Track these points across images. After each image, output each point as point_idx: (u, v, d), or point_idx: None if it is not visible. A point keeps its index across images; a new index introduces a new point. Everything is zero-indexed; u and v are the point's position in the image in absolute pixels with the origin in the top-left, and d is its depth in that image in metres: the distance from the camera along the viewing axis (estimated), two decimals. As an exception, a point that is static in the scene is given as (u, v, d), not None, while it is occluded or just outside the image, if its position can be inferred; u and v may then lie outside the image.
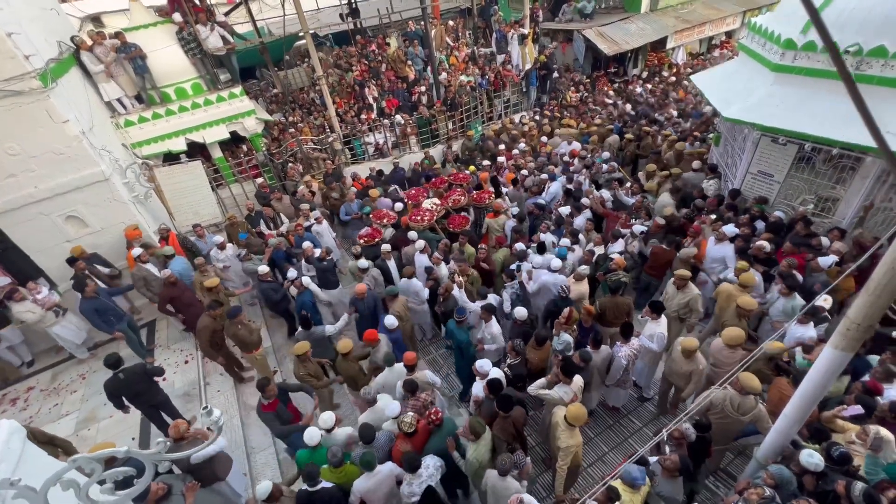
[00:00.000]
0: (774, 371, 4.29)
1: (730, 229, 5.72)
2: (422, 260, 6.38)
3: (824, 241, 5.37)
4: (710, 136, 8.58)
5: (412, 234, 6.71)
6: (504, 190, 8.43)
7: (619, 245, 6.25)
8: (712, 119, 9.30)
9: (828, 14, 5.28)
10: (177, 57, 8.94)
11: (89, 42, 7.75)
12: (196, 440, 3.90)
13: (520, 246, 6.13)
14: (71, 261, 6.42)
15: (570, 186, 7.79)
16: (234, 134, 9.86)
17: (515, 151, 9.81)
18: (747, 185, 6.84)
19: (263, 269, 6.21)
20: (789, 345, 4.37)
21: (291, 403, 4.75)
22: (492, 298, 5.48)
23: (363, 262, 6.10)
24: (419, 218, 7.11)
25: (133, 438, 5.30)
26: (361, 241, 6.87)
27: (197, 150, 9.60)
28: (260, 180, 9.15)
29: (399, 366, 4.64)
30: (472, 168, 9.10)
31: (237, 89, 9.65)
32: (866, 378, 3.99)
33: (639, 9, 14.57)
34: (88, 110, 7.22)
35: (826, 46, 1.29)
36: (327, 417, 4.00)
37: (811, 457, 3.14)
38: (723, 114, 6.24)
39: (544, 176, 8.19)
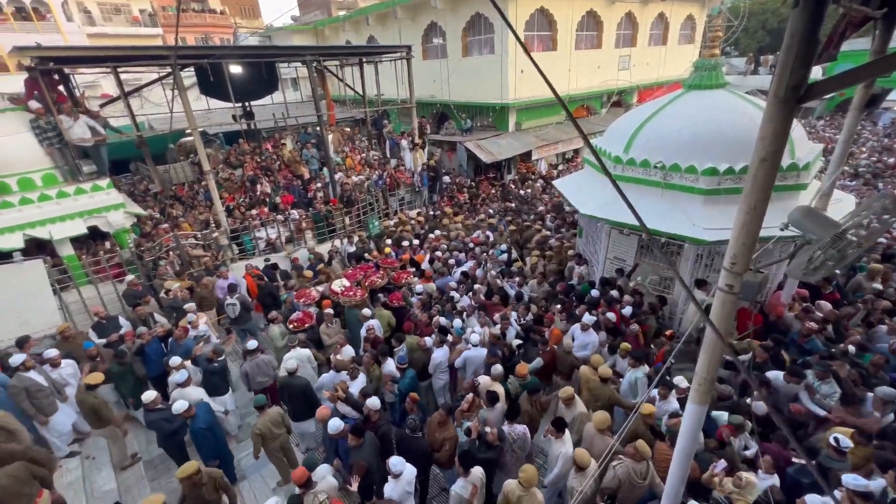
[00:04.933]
0: (651, 432, 4.65)
1: (588, 318, 6.16)
2: (363, 332, 6.42)
3: (627, 298, 6.81)
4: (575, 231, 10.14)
5: (366, 312, 6.69)
6: (425, 267, 8.77)
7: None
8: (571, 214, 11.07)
9: (640, 138, 7.02)
10: (26, 145, 7.93)
11: None
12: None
13: (443, 320, 6.53)
14: None
15: (468, 272, 8.25)
16: (94, 229, 8.67)
17: (431, 236, 10.42)
18: (607, 269, 8.07)
19: (151, 394, 4.97)
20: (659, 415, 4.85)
21: None
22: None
23: (291, 363, 5.43)
24: (352, 294, 7.24)
25: None
26: (291, 327, 6.60)
27: (37, 247, 8.12)
28: (130, 278, 7.95)
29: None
30: (387, 250, 9.43)
31: (103, 182, 8.74)
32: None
33: (507, 128, 17.61)
34: None
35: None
36: None
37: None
38: (580, 211, 7.52)
39: (452, 260, 8.76)
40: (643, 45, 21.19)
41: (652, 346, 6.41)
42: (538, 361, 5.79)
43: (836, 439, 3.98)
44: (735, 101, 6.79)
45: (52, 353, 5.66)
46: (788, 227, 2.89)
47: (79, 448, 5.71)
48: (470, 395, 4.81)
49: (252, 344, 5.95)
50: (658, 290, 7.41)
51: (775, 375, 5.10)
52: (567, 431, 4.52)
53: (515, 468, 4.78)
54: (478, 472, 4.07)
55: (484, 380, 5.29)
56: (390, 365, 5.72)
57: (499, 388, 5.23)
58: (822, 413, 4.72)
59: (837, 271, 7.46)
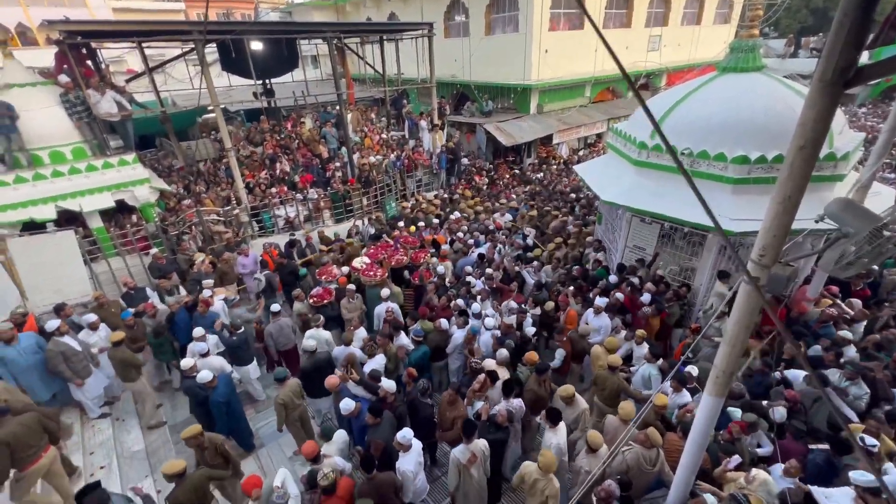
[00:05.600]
0: (661, 421, 4.60)
1: (601, 300, 6.24)
2: (380, 311, 6.48)
3: (648, 285, 6.70)
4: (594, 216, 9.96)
5: (384, 292, 6.68)
6: (444, 247, 8.71)
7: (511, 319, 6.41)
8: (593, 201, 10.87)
9: (667, 123, 6.75)
10: (57, 119, 8.14)
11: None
12: None
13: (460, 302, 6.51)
14: None
15: (485, 255, 8.23)
16: (121, 203, 8.92)
17: (452, 217, 10.42)
18: (626, 257, 7.92)
19: (188, 362, 5.14)
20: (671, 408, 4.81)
21: None
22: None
23: (310, 343, 5.48)
24: (372, 273, 7.25)
25: None
26: (311, 301, 6.71)
27: (67, 219, 8.42)
28: (154, 251, 8.21)
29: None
30: (412, 228, 9.51)
31: (129, 156, 8.94)
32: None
33: (528, 110, 17.21)
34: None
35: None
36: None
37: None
38: (601, 197, 7.35)
39: (471, 241, 8.75)
40: (675, 24, 20.25)
41: (678, 331, 6.33)
42: (560, 353, 5.78)
43: (862, 439, 3.89)
44: (772, 85, 6.46)
45: (92, 317, 5.92)
46: (824, 220, 2.76)
47: (109, 410, 6.05)
48: (482, 376, 4.87)
49: (276, 307, 6.29)
50: (678, 281, 7.26)
51: (794, 375, 4.98)
52: (562, 423, 4.46)
53: (513, 442, 4.90)
54: (481, 443, 4.15)
55: (487, 363, 5.32)
56: (404, 338, 5.82)
57: (502, 372, 5.25)
58: (855, 417, 4.59)
59: (875, 267, 7.21)
